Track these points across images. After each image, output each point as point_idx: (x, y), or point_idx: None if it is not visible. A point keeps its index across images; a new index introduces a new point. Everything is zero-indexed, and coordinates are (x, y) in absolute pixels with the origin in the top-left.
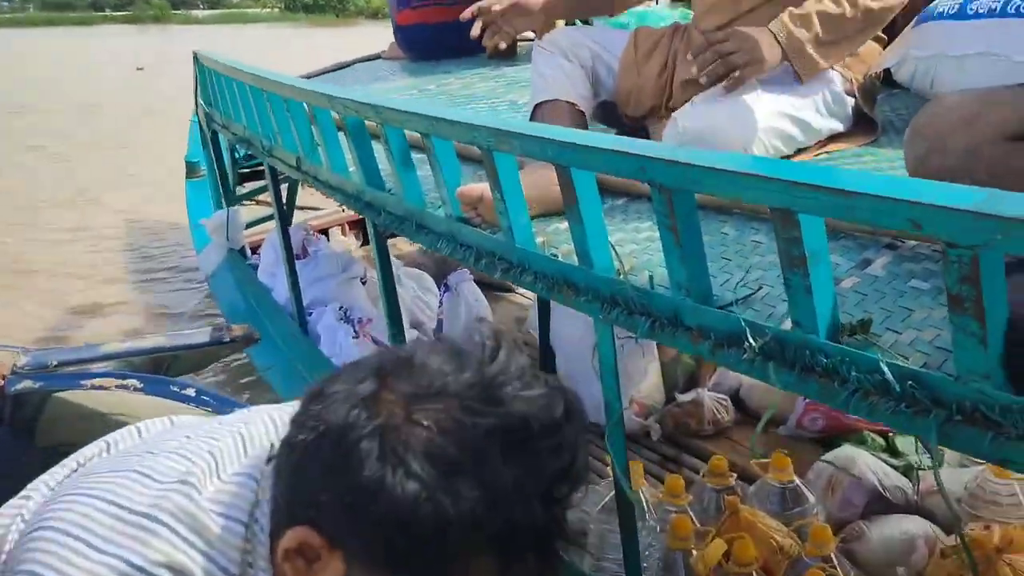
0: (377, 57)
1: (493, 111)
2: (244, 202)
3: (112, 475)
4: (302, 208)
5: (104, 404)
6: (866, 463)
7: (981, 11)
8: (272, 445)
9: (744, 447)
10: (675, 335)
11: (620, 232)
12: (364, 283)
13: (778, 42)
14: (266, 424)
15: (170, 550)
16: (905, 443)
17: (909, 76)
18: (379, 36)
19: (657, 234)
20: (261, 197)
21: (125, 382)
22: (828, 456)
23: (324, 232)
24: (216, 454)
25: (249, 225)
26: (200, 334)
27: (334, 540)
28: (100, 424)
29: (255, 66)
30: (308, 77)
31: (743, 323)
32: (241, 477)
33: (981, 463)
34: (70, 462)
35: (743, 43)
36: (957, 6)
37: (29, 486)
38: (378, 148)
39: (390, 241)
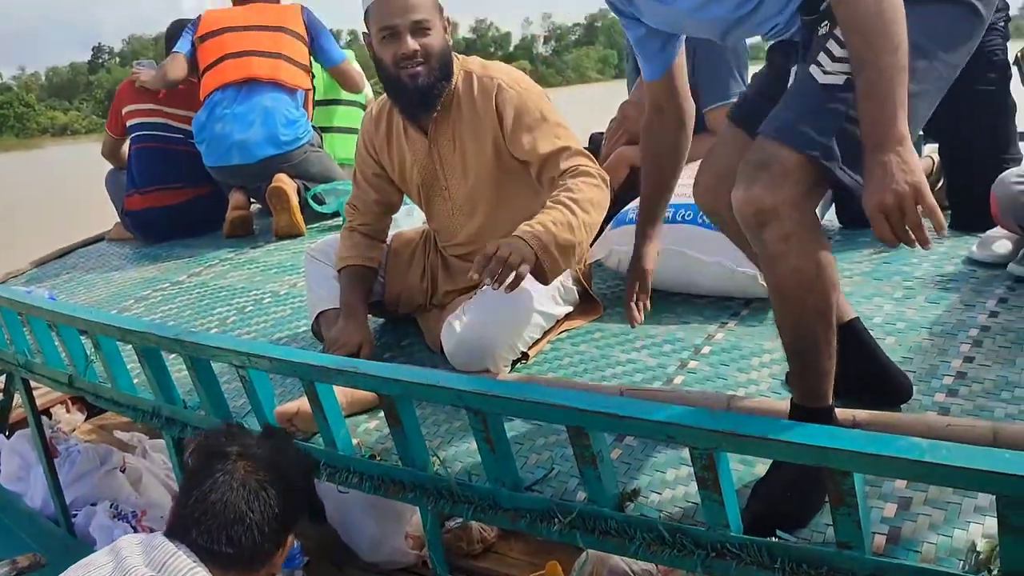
0: (100, 239)
1: (259, 305)
2: None
3: None
4: None
5: None
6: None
7: None
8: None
9: (513, 559)
10: (495, 516)
11: (425, 428)
12: (124, 471)
13: (531, 247)
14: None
15: None
16: None
17: (616, 263)
18: (73, 163)
19: (456, 426)
20: None
21: None
22: (583, 555)
23: (47, 412)
24: None
25: None
26: None
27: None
28: None
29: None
30: (38, 264)
31: (552, 504)
32: None
33: None
34: None
35: (516, 249)
36: None
37: None
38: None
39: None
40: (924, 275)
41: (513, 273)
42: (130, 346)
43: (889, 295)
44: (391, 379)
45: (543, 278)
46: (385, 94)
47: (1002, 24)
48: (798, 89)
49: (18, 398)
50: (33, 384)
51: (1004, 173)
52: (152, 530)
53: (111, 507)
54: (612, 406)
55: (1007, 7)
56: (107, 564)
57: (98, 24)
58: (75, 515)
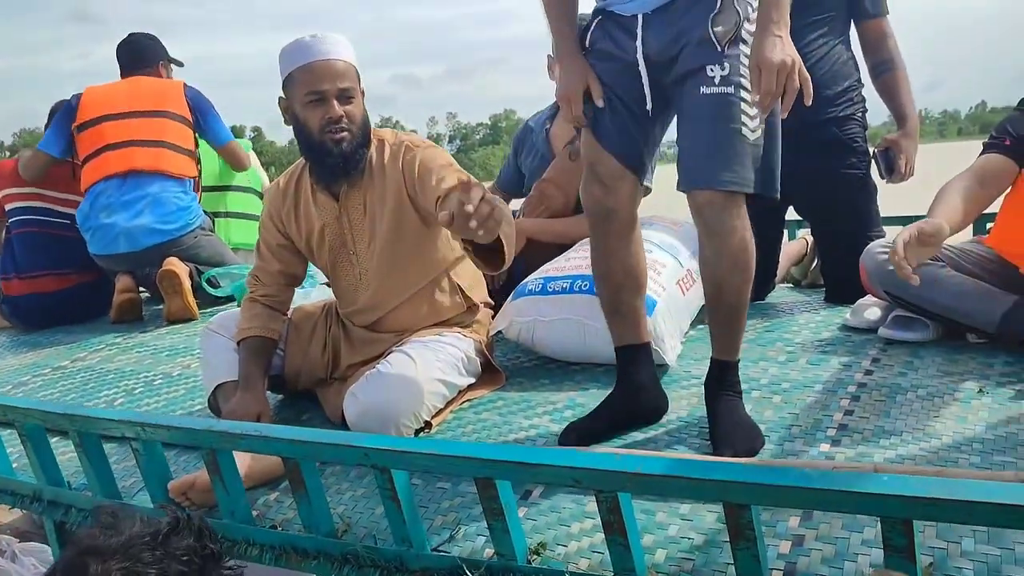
0: None
1: (150, 386)
2: None
3: None
4: None
5: None
6: None
7: (557, 289)
8: None
9: None
10: None
11: (329, 494)
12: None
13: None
14: None
15: None
16: None
17: (516, 334)
18: None
19: (360, 492)
20: None
21: None
22: None
23: None
24: None
25: None
26: None
27: None
28: None
29: None
30: None
31: (459, 560)
32: None
33: None
34: None
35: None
36: (540, 285)
37: None
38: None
39: None
40: (804, 341)
41: (491, 218)
42: (10, 430)
43: (774, 359)
44: (296, 441)
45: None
46: (296, 163)
47: (860, 115)
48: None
49: None
50: None
51: (870, 244)
52: None
53: None
54: (518, 454)
55: (864, 100)
56: None
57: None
58: None
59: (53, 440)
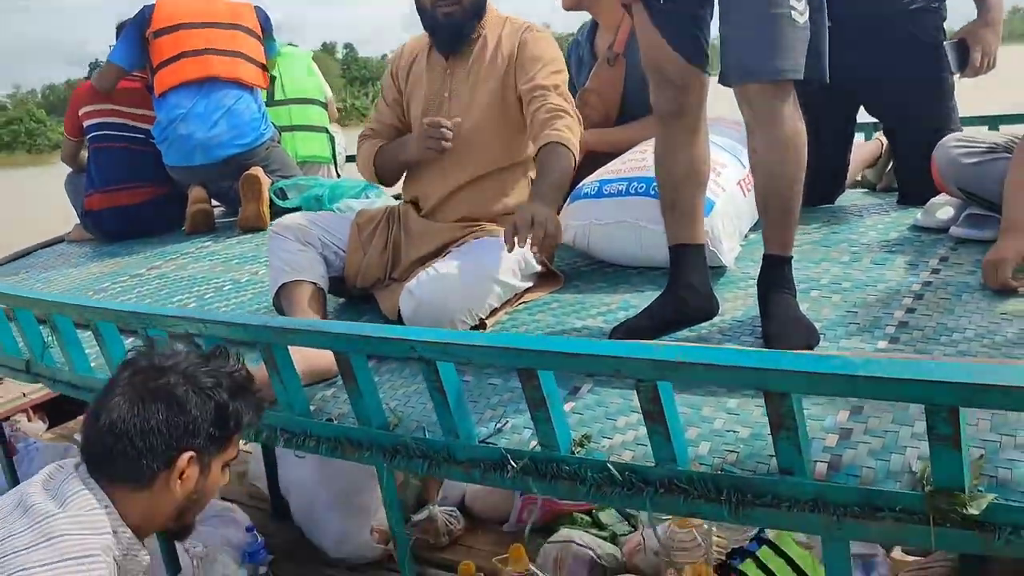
0: (60, 241)
1: (219, 292)
2: None
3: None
4: None
5: None
6: (581, 539)
7: (612, 192)
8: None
9: (478, 549)
10: (450, 470)
11: (383, 391)
12: None
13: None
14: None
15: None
16: (607, 515)
17: (572, 238)
18: None
19: (412, 389)
20: None
21: None
22: (550, 540)
23: (6, 420)
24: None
25: None
26: None
27: (192, 450)
28: None
29: None
30: None
31: (503, 452)
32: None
33: (667, 518)
34: None
35: (552, 220)
36: (596, 188)
37: None
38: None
39: None
40: (870, 241)
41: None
42: (88, 333)
43: (836, 260)
44: (346, 335)
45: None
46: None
47: (936, 4)
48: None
49: None
50: None
51: (944, 138)
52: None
53: None
54: (559, 345)
55: None
56: (8, 502)
57: (84, 42)
58: None
59: (128, 341)
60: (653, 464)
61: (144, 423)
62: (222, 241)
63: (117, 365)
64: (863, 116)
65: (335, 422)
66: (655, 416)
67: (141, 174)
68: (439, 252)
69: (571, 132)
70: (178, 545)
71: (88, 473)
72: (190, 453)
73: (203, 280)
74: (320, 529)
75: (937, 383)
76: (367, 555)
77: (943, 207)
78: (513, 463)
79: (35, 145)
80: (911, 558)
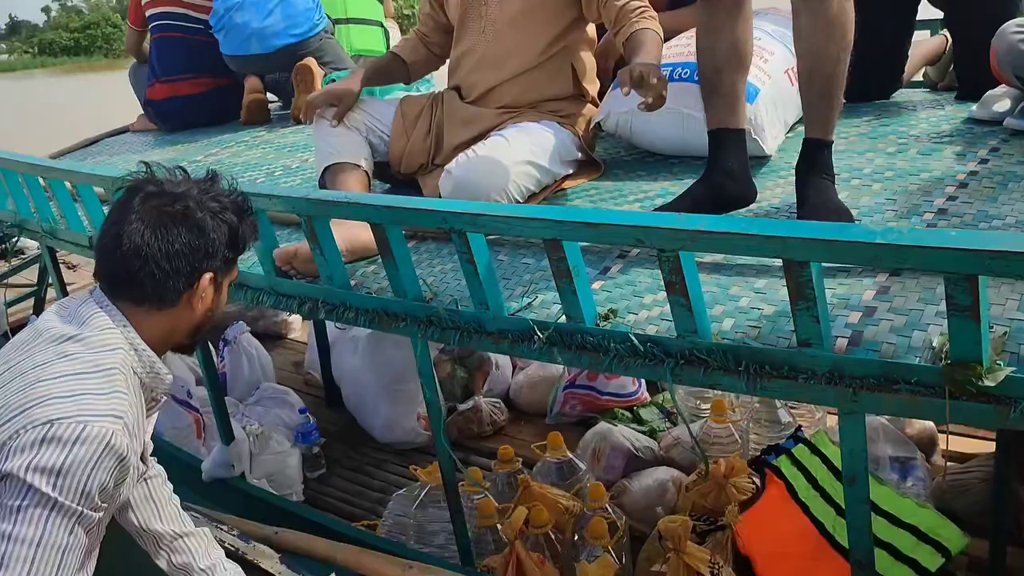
0: (124, 131)
1: (271, 177)
2: None
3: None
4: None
5: None
6: (620, 432)
7: None
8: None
9: (520, 439)
10: (480, 340)
11: (420, 268)
12: None
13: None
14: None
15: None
16: (648, 412)
17: (614, 126)
18: None
19: (449, 267)
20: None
21: None
22: (589, 432)
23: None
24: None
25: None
26: None
27: (210, 271)
28: None
29: (18, 153)
30: (59, 155)
31: (531, 323)
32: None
33: (705, 416)
34: None
35: (659, 73)
36: None
37: None
38: None
39: None
40: (919, 133)
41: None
42: None
43: (882, 150)
44: (382, 206)
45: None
46: None
47: None
48: None
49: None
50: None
51: (1004, 24)
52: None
53: None
54: (583, 215)
55: None
56: (25, 333)
57: None
58: None
59: None
60: (675, 336)
61: (169, 246)
62: (275, 131)
63: (117, 190)
64: (928, 11)
65: (374, 295)
66: (677, 287)
67: (201, 65)
68: (480, 137)
69: (657, 25)
70: (234, 422)
71: (103, 296)
72: (210, 274)
73: (256, 166)
74: (369, 415)
75: (957, 250)
76: (413, 440)
77: (1000, 99)
78: (539, 334)
79: (112, 50)
80: (949, 463)
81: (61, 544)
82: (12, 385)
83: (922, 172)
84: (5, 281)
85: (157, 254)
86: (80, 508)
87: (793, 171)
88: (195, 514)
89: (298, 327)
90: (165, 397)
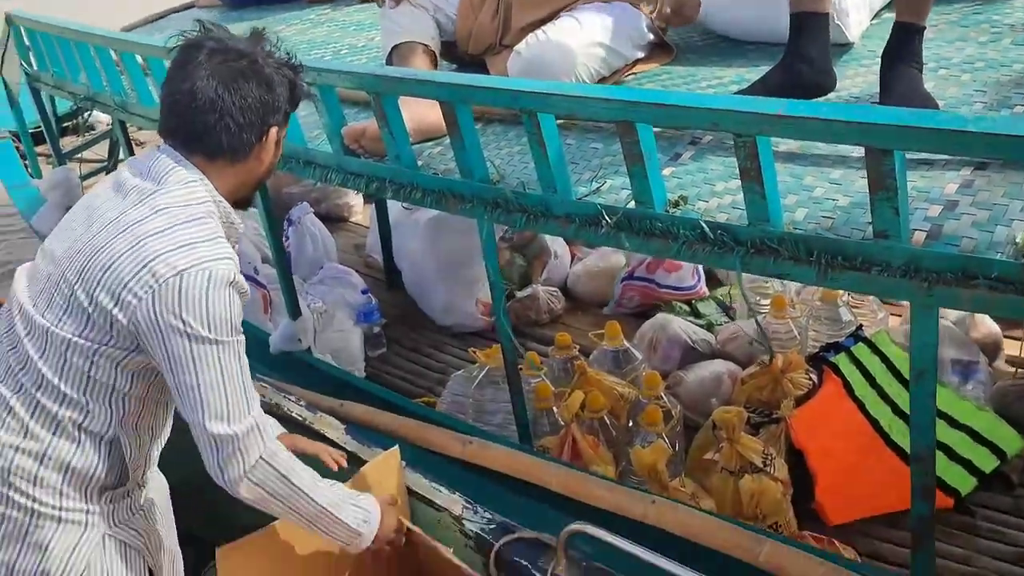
0: (191, 6)
1: (336, 55)
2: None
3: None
4: None
5: None
6: (677, 325)
7: None
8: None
9: (576, 328)
10: (546, 224)
11: (487, 151)
12: None
13: None
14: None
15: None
16: (706, 306)
17: None
18: None
19: (516, 150)
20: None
21: None
22: (646, 323)
23: None
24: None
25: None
26: None
27: (276, 125)
28: None
29: (91, 26)
30: (127, 30)
31: (599, 207)
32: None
33: (764, 312)
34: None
35: None
36: None
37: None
38: None
39: None
40: (1015, 21)
41: None
42: None
43: (974, 40)
44: (452, 83)
45: None
46: None
47: None
48: None
49: None
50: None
51: None
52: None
53: None
54: (657, 97)
55: None
56: (105, 189)
57: None
58: None
59: None
60: (746, 224)
61: (242, 100)
62: (341, 8)
63: (176, 45)
64: None
65: (441, 176)
66: (752, 174)
67: None
68: (550, 18)
69: None
70: (300, 299)
71: (175, 152)
72: (275, 127)
73: (322, 44)
74: (429, 298)
75: None
76: (471, 324)
77: None
78: (608, 218)
79: None
80: (1013, 368)
81: (236, 371)
82: (117, 240)
83: (1015, 63)
84: (79, 155)
85: (232, 108)
86: (234, 339)
87: (876, 60)
88: (264, 384)
89: (360, 210)
90: (238, 244)
